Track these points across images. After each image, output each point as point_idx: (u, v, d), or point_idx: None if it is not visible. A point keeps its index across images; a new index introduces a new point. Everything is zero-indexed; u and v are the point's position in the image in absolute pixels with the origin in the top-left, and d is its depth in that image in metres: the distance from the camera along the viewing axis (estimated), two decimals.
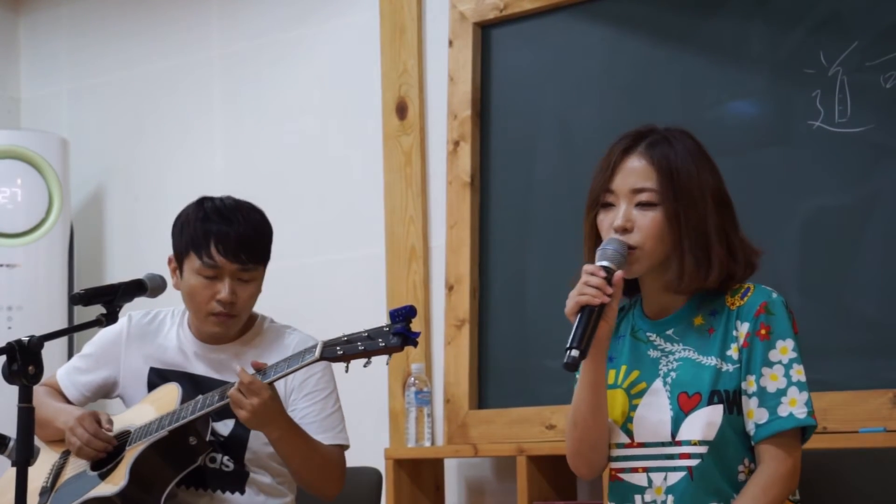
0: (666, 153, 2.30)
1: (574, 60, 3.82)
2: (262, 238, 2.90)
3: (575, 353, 2.17)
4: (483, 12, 3.98)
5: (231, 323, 2.90)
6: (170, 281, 2.90)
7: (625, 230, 2.28)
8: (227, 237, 2.82)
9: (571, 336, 2.19)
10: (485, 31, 4.00)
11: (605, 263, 2.24)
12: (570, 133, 3.80)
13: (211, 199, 2.91)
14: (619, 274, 2.23)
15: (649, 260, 2.29)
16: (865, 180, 3.30)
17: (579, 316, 2.21)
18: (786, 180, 3.42)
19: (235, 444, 2.88)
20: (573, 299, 2.23)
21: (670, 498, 2.27)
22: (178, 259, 2.89)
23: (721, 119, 3.55)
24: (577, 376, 2.36)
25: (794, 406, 2.24)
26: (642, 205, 2.28)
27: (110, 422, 2.87)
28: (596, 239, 2.33)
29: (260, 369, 2.69)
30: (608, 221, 2.31)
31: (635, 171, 2.30)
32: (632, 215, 2.28)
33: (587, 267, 2.25)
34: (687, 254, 2.26)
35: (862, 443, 3.03)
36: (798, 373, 2.26)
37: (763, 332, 2.26)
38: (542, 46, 3.89)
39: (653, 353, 2.35)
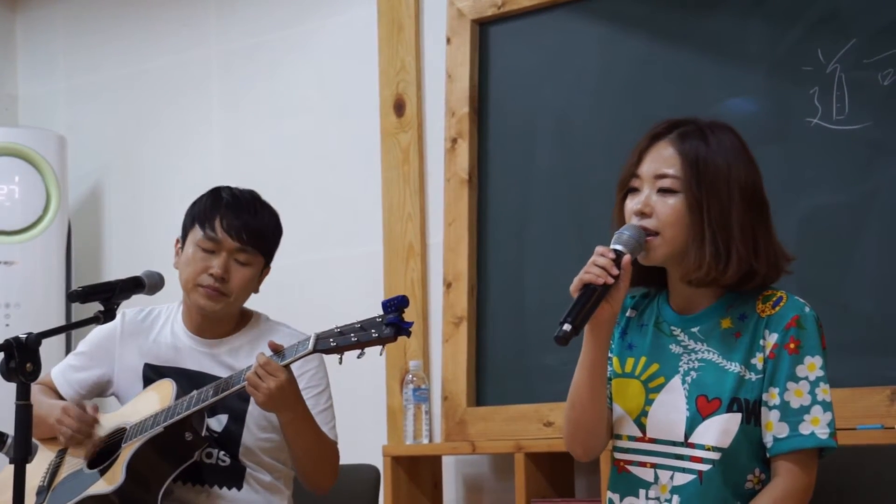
0: (695, 143, 2.27)
1: (572, 58, 3.82)
2: (268, 229, 2.93)
3: (567, 326, 2.14)
4: (481, 9, 3.97)
5: (218, 300, 2.89)
6: (169, 272, 2.90)
7: (643, 214, 2.25)
8: (234, 213, 2.88)
9: (568, 310, 2.17)
10: (482, 29, 4.00)
11: (617, 247, 2.22)
12: (568, 130, 3.80)
13: (227, 186, 2.97)
14: (627, 258, 2.21)
15: (668, 247, 2.25)
16: (863, 177, 3.30)
17: (580, 293, 2.20)
18: (784, 177, 3.41)
19: (229, 440, 2.88)
20: (578, 277, 2.21)
21: (676, 498, 2.24)
22: (184, 235, 2.93)
23: (719, 116, 3.51)
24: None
25: (817, 425, 2.21)
26: (663, 191, 2.25)
27: (95, 408, 2.87)
28: (621, 224, 2.30)
29: (277, 351, 2.70)
30: (631, 206, 2.28)
31: (661, 157, 2.27)
32: (651, 200, 2.25)
33: (598, 248, 2.23)
34: (708, 244, 2.21)
35: (860, 440, 3.03)
36: (824, 392, 2.22)
37: (792, 345, 2.22)
38: (539, 44, 3.89)
39: (675, 349, 2.31)
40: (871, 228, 3.28)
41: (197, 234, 2.88)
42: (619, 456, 2.34)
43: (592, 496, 3.56)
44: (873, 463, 2.78)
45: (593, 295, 2.19)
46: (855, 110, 3.31)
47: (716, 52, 3.57)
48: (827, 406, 2.22)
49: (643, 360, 2.33)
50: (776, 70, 3.46)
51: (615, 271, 2.19)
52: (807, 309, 2.26)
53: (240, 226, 2.86)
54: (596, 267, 2.20)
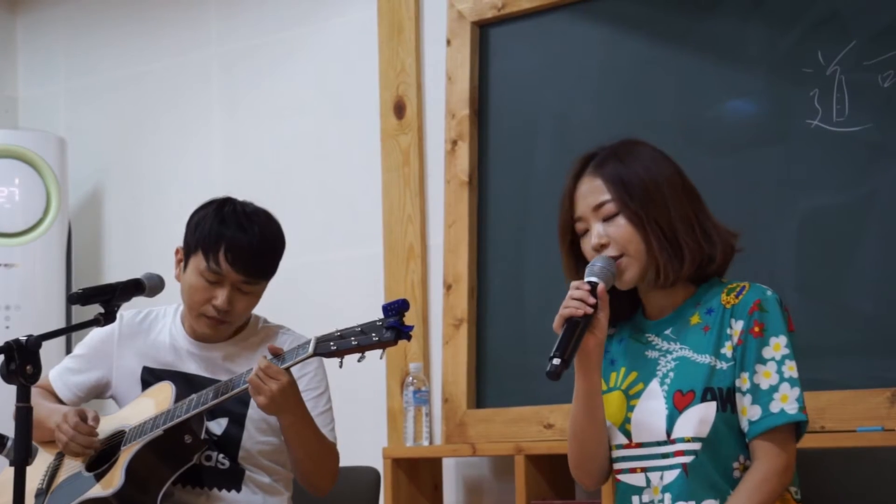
0: (612, 165, 2.37)
1: (572, 60, 3.82)
2: (273, 253, 2.90)
3: (556, 361, 2.21)
4: (481, 11, 3.97)
5: (221, 328, 2.91)
6: (169, 274, 2.89)
7: (602, 246, 2.34)
8: (238, 246, 2.82)
9: (555, 346, 2.24)
10: (483, 31, 4.00)
11: (591, 279, 2.31)
12: (569, 132, 3.79)
13: (233, 202, 2.90)
14: (601, 286, 2.29)
15: (638, 262, 2.33)
16: (863, 179, 3.30)
17: (564, 327, 2.27)
18: (784, 179, 3.41)
19: (229, 443, 2.88)
20: (559, 313, 2.28)
21: (667, 496, 2.28)
22: (186, 253, 2.89)
23: (719, 118, 3.55)
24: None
25: (786, 402, 2.26)
26: (607, 218, 2.35)
27: (96, 419, 2.86)
28: (575, 265, 2.41)
29: (277, 354, 2.70)
30: (588, 247, 2.37)
31: (590, 190, 2.38)
32: (602, 231, 2.34)
33: (573, 283, 2.32)
34: (657, 250, 2.30)
35: (860, 442, 3.03)
36: (790, 369, 2.27)
37: (756, 329, 2.28)
38: (540, 46, 3.88)
39: (651, 354, 2.37)
40: (871, 229, 3.28)
41: (200, 262, 2.84)
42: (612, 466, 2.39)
43: (592, 498, 3.55)
44: (873, 465, 2.78)
45: (577, 327, 2.26)
46: (855, 112, 3.31)
47: (716, 54, 3.57)
48: (794, 382, 2.27)
49: (623, 370, 2.40)
50: (776, 72, 3.46)
51: (592, 300, 2.27)
52: (768, 293, 2.32)
53: (245, 259, 2.82)
54: (573, 300, 2.27)
